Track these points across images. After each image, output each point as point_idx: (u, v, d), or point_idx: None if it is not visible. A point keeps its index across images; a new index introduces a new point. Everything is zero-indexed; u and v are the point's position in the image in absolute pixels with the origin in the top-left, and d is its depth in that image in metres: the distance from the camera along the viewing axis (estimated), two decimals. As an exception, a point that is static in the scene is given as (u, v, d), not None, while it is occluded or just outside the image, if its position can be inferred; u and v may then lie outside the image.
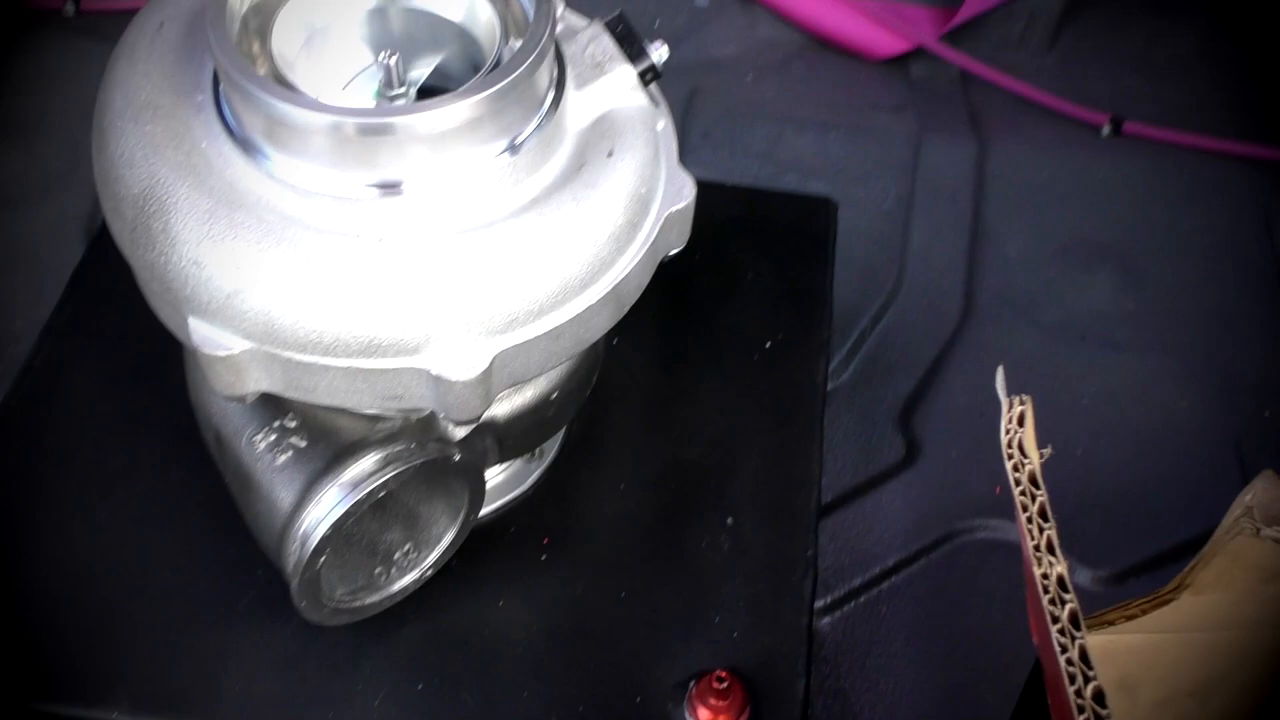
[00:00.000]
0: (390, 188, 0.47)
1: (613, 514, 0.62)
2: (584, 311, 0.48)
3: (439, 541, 0.57)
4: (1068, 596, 0.45)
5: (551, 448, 0.63)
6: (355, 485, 0.51)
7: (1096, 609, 0.54)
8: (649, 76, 0.52)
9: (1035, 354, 0.89)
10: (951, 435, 0.85)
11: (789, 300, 0.71)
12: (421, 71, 0.53)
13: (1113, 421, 0.86)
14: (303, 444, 0.52)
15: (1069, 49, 1.13)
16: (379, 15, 0.53)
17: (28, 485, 0.60)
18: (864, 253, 0.94)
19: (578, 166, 0.49)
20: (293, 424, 0.53)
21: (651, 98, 0.53)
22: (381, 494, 0.51)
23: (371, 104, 0.52)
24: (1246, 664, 0.52)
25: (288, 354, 0.46)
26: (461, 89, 0.46)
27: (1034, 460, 0.48)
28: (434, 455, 0.52)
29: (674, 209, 0.51)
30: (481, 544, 0.59)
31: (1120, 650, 0.52)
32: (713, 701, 0.55)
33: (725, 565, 0.60)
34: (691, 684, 0.55)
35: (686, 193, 0.51)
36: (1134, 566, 0.79)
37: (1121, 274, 0.95)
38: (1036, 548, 0.46)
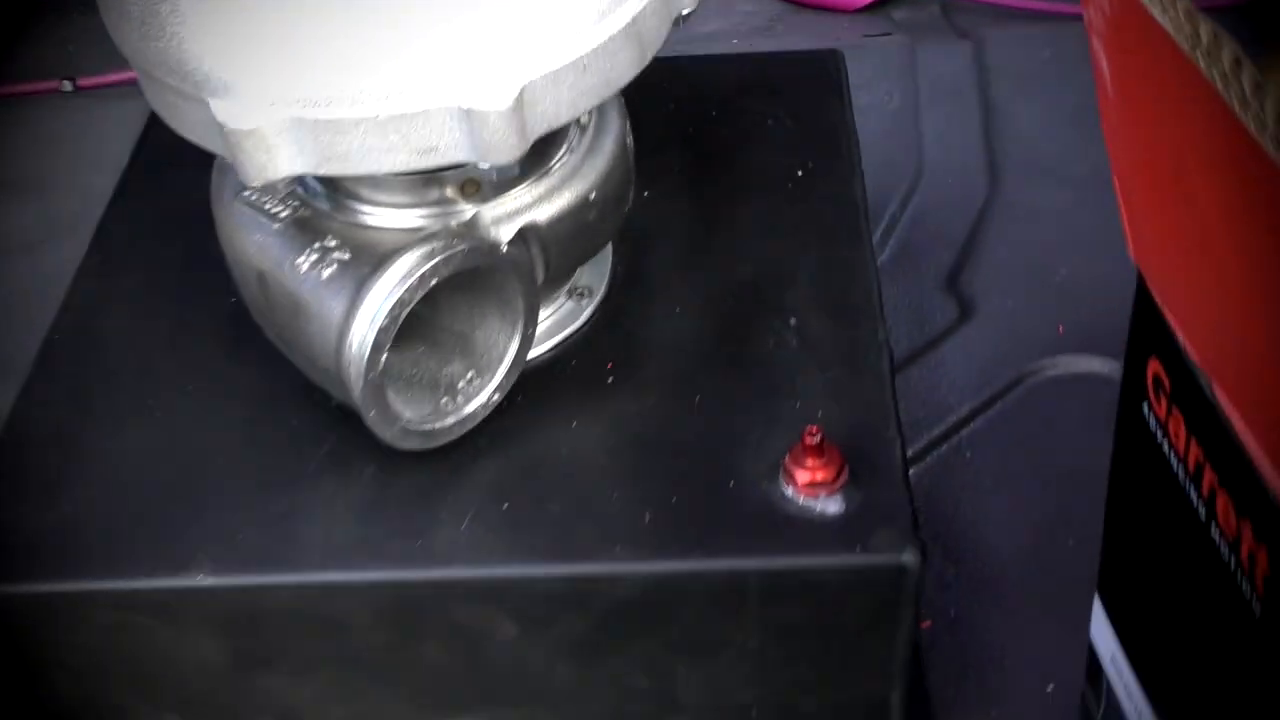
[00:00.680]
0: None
1: (674, 335, 0.60)
2: (606, 42, 0.48)
3: (500, 364, 0.55)
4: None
5: (599, 285, 0.61)
6: (405, 277, 0.49)
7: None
8: None
9: (1071, 207, 0.88)
10: (1002, 290, 0.84)
11: (812, 139, 0.70)
12: None
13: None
14: (346, 256, 0.51)
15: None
16: None
17: (82, 402, 0.59)
18: (880, 150, 0.93)
19: None
20: (333, 243, 0.52)
21: None
22: (433, 281, 0.50)
23: None
24: None
25: (316, 113, 0.45)
26: None
27: None
28: (479, 244, 0.51)
29: None
30: (544, 379, 0.58)
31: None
32: (809, 462, 0.52)
33: (797, 359, 0.58)
34: (784, 457, 0.53)
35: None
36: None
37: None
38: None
